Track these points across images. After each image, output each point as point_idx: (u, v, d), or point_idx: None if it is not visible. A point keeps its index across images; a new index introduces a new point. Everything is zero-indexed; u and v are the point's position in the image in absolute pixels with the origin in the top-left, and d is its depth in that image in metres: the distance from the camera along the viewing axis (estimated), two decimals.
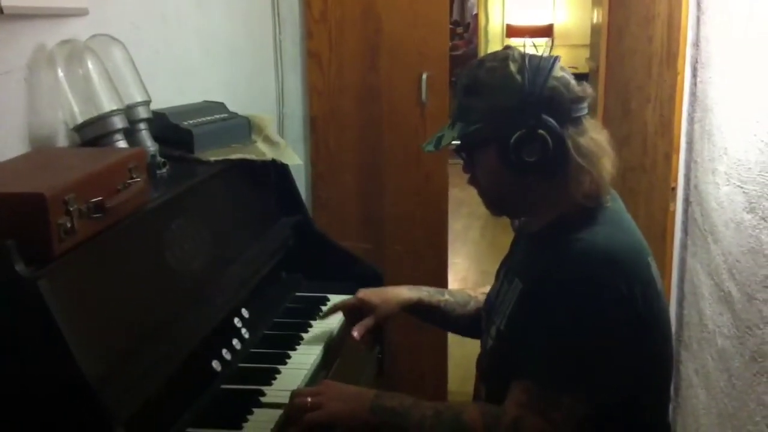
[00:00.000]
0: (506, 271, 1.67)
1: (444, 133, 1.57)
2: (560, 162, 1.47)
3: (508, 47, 1.56)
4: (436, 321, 1.98)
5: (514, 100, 1.47)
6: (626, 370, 1.44)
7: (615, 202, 1.56)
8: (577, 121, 1.50)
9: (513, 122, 1.47)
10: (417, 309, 1.91)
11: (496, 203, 1.62)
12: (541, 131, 1.45)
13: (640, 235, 1.55)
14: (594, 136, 1.52)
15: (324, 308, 2.02)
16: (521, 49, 1.55)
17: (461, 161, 1.60)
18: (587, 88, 1.53)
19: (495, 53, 1.56)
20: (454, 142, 1.56)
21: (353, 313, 1.89)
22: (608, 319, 1.41)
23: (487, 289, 1.88)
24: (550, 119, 1.46)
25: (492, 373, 1.60)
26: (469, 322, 1.90)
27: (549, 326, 1.43)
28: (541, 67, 1.47)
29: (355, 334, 1.83)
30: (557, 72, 1.49)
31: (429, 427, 1.47)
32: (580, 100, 1.50)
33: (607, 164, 1.51)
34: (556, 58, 1.50)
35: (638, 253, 1.50)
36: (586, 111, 1.52)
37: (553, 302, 1.43)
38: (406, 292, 1.91)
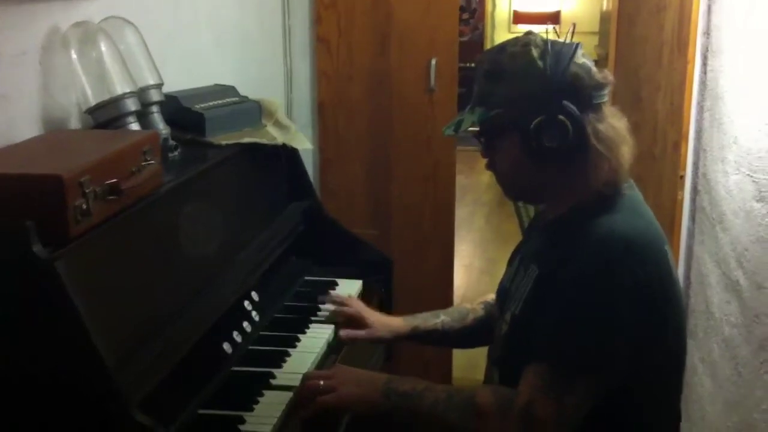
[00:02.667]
0: (521, 258, 1.67)
1: (464, 117, 1.56)
2: (580, 148, 1.47)
3: (530, 32, 1.55)
4: (437, 343, 1.99)
5: (536, 86, 1.47)
6: (639, 356, 1.44)
7: (633, 191, 1.56)
8: (597, 108, 1.49)
9: (534, 108, 1.47)
10: (415, 337, 1.90)
11: (514, 189, 1.63)
12: (561, 117, 1.45)
13: (657, 224, 1.55)
14: (614, 123, 1.51)
15: (333, 292, 2.04)
16: (543, 35, 1.54)
17: (470, 148, 1.60)
18: (608, 75, 1.53)
19: (516, 38, 1.55)
20: (472, 129, 1.55)
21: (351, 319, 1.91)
22: (624, 304, 1.41)
23: (488, 297, 1.90)
24: (571, 105, 1.45)
25: (505, 359, 1.61)
26: (470, 334, 1.90)
27: (564, 309, 1.44)
28: (563, 53, 1.47)
29: (343, 335, 1.85)
30: (579, 58, 1.48)
31: (442, 410, 1.48)
32: (600, 86, 1.50)
33: (626, 152, 1.51)
34: (577, 45, 1.50)
35: (656, 241, 1.50)
36: (606, 98, 1.52)
37: (569, 286, 1.44)
38: (401, 323, 1.90)
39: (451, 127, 1.57)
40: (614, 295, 1.41)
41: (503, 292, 1.69)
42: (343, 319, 1.90)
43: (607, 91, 1.52)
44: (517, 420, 1.43)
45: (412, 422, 1.55)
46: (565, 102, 1.46)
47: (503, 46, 1.55)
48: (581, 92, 1.47)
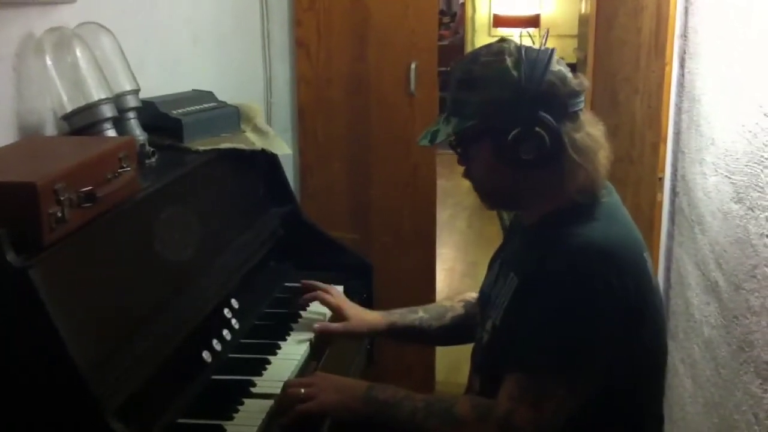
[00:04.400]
0: (501, 264, 1.67)
1: (439, 127, 1.54)
2: (556, 157, 1.46)
3: (503, 39, 1.54)
4: (414, 340, 1.99)
5: (511, 96, 1.45)
6: (616, 362, 1.45)
7: (611, 196, 1.56)
8: (573, 116, 1.48)
9: (509, 118, 1.45)
10: (392, 333, 1.89)
11: (490, 197, 1.61)
12: (537, 129, 1.44)
13: (636, 230, 1.55)
14: (590, 131, 1.50)
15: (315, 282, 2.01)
16: (516, 41, 1.53)
17: (450, 151, 1.60)
18: (584, 82, 1.51)
19: (490, 46, 1.53)
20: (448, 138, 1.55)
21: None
22: (598, 310, 1.41)
23: (468, 296, 1.90)
24: (547, 116, 1.44)
25: (487, 367, 1.61)
26: (447, 333, 1.89)
27: (539, 316, 1.44)
28: (537, 60, 1.45)
29: (316, 327, 1.86)
30: (554, 66, 1.47)
31: (421, 419, 1.48)
32: (576, 94, 1.49)
33: (603, 157, 1.51)
34: (552, 51, 1.47)
35: (633, 248, 1.50)
36: (581, 105, 1.51)
37: (543, 293, 1.44)
38: (378, 318, 1.89)
39: (427, 137, 1.55)
40: (587, 301, 1.41)
41: (484, 297, 1.69)
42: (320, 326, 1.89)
43: (582, 98, 1.50)
44: (495, 429, 1.43)
45: (392, 429, 1.54)
46: (542, 113, 1.44)
47: (476, 53, 1.54)
48: (557, 101, 1.46)
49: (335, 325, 1.87)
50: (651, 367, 1.55)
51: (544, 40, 1.50)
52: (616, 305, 1.42)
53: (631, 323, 1.45)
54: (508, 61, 1.47)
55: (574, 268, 1.42)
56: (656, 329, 1.53)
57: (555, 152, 1.45)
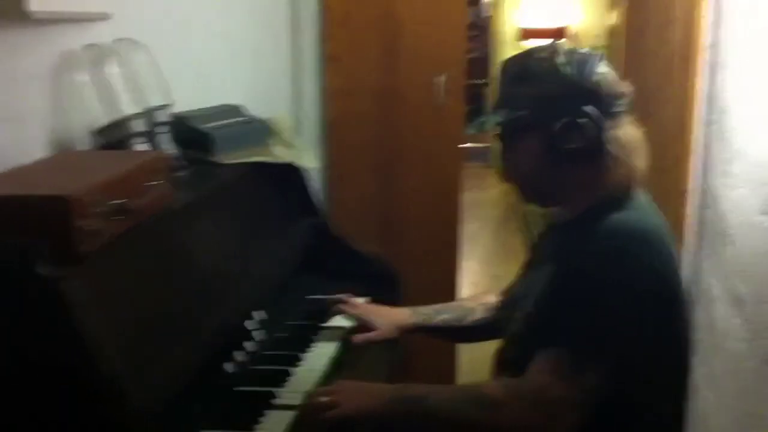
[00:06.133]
0: (533, 263, 1.73)
1: (488, 118, 1.64)
2: (598, 151, 1.54)
3: (554, 42, 1.63)
4: (437, 337, 2.06)
5: (561, 89, 1.54)
6: (652, 344, 1.48)
7: (645, 195, 1.62)
8: (615, 116, 1.55)
9: (557, 110, 1.53)
10: (419, 331, 1.98)
11: (532, 190, 1.68)
12: (582, 120, 1.51)
13: (668, 227, 1.60)
14: (630, 131, 1.57)
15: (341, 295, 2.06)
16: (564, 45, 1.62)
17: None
18: (628, 86, 1.59)
19: (542, 46, 1.63)
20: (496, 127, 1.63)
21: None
22: (639, 290, 1.45)
23: (489, 298, 1.96)
24: (592, 108, 1.52)
25: (517, 360, 1.59)
26: (468, 333, 1.98)
27: (578, 295, 1.47)
28: (586, 60, 1.55)
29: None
30: (602, 67, 1.56)
31: (455, 408, 1.50)
32: (620, 96, 1.56)
33: (640, 160, 1.58)
34: (601, 54, 1.57)
35: (667, 237, 1.55)
36: (624, 108, 1.58)
37: (584, 273, 1.48)
38: (405, 317, 1.97)
39: (475, 126, 1.67)
40: (628, 280, 1.45)
41: (515, 295, 1.73)
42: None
43: (625, 101, 1.58)
44: (531, 403, 1.45)
45: (426, 426, 1.55)
46: (588, 106, 1.51)
47: (529, 51, 1.63)
48: (602, 98, 1.53)
49: (372, 335, 1.92)
50: (678, 358, 1.56)
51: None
52: (655, 287, 1.46)
53: (667, 307, 1.49)
54: (560, 59, 1.55)
55: (614, 246, 1.48)
56: (685, 324, 1.55)
57: (597, 146, 1.53)
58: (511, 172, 1.67)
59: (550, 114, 1.53)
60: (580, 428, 1.45)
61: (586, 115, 1.51)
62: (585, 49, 1.59)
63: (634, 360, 1.46)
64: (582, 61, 1.55)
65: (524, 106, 1.57)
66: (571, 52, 1.56)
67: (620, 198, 1.56)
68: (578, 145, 1.52)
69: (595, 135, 1.52)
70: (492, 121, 1.62)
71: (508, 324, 1.70)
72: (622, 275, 1.45)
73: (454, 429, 1.54)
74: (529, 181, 1.65)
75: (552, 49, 1.58)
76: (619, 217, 1.52)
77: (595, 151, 1.53)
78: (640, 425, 1.55)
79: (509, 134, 1.62)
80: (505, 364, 1.69)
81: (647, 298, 1.46)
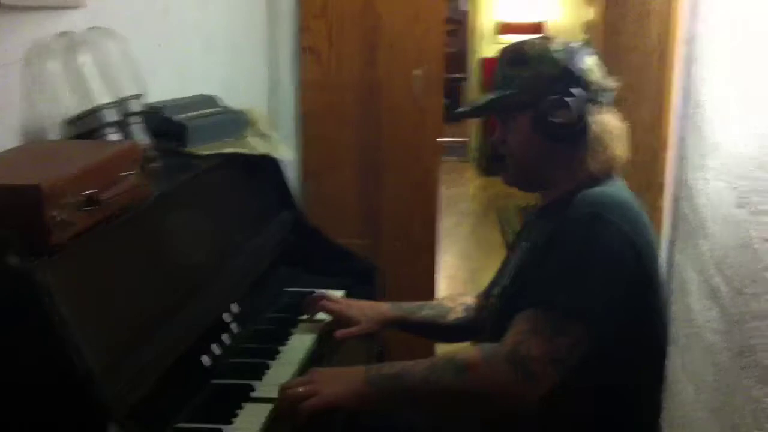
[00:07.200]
0: (510, 260, 1.79)
1: (484, 96, 1.75)
2: (582, 132, 1.63)
3: (546, 36, 1.74)
4: (420, 334, 2.06)
5: (553, 72, 1.64)
6: (625, 306, 1.51)
7: (623, 183, 1.70)
8: (600, 105, 1.66)
9: (547, 90, 1.63)
10: (400, 327, 1.98)
11: (522, 171, 1.74)
12: (570, 99, 1.61)
13: (646, 210, 1.67)
14: (613, 121, 1.67)
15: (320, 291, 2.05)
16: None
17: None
18: (615, 81, 1.69)
19: (537, 37, 1.75)
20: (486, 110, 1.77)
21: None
22: (615, 252, 1.51)
23: (467, 299, 1.99)
24: (579, 90, 1.62)
25: (499, 329, 1.59)
26: (448, 332, 2.00)
27: (556, 260, 1.53)
28: (578, 50, 1.67)
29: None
30: (592, 59, 1.68)
31: (431, 379, 1.50)
32: (606, 88, 1.67)
33: (621, 148, 1.67)
34: (592, 49, 1.70)
35: (642, 210, 1.63)
36: (610, 100, 1.68)
37: (563, 237, 1.55)
38: (387, 311, 1.97)
39: (466, 108, 1.81)
40: (605, 243, 1.51)
41: (492, 282, 1.78)
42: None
43: (611, 94, 1.68)
44: (507, 361, 1.46)
45: (407, 400, 1.55)
46: (576, 89, 1.62)
47: (526, 39, 1.74)
48: (590, 86, 1.64)
49: (353, 330, 1.91)
50: (653, 340, 1.55)
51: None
52: (626, 250, 1.52)
53: (639, 273, 1.54)
54: (554, 45, 1.67)
55: (591, 212, 1.54)
56: (661, 303, 1.57)
57: (581, 126, 1.62)
58: (501, 149, 1.74)
59: (541, 93, 1.63)
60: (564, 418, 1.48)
61: (573, 96, 1.61)
62: (577, 41, 1.70)
63: (608, 322, 1.49)
64: (574, 50, 1.66)
65: (517, 86, 1.67)
66: (565, 42, 1.68)
67: (600, 180, 1.64)
68: (564, 121, 1.61)
69: (580, 115, 1.61)
70: (484, 99, 1.73)
71: (486, 309, 1.76)
72: (593, 236, 1.52)
73: (435, 400, 1.54)
74: (521, 161, 1.72)
75: (546, 38, 1.71)
76: (594, 189, 1.60)
77: (579, 132, 1.62)
78: (615, 409, 1.58)
79: (502, 111, 1.72)
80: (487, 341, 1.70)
81: (618, 260, 1.51)
